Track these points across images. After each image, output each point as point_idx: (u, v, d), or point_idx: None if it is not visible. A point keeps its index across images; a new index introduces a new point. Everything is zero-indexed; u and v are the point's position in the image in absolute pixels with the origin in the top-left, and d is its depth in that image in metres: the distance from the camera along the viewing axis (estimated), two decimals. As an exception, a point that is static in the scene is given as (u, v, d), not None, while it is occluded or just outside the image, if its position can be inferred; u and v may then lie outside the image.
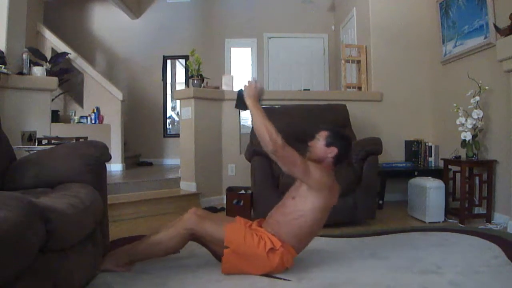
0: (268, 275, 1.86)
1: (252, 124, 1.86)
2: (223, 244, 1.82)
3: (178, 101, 4.79)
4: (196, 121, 3.92)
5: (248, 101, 1.90)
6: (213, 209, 3.69)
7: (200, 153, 3.94)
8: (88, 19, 6.38)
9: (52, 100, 3.72)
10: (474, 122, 3.18)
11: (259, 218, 2.16)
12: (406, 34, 4.33)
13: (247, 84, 1.93)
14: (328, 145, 1.95)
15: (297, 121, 3.57)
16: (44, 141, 3.01)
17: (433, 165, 3.89)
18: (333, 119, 3.66)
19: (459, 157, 3.37)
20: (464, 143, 3.25)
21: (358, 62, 4.66)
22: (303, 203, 1.88)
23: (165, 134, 6.39)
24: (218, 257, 2.03)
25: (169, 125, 6.50)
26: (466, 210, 3.20)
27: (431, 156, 3.92)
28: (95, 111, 5.13)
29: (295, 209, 1.89)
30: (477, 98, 3.18)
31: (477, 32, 3.35)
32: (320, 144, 1.96)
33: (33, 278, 1.21)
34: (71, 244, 1.47)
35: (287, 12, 6.42)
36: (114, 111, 5.16)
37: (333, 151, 1.94)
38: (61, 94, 5.32)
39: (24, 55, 3.14)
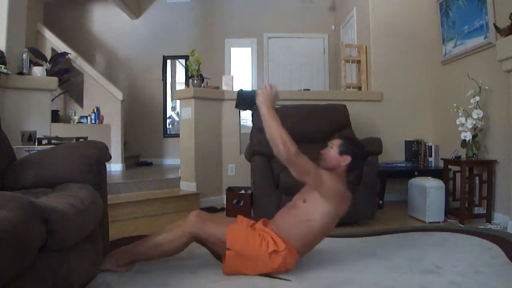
0: (268, 275, 1.86)
1: (265, 129, 1.81)
2: (226, 245, 1.82)
3: (178, 101, 4.79)
4: (196, 121, 3.92)
5: (263, 107, 1.81)
6: (213, 209, 3.70)
7: (200, 153, 3.94)
8: (88, 19, 6.38)
9: (52, 100, 3.72)
10: (474, 122, 3.18)
11: (259, 218, 2.16)
12: (406, 34, 4.33)
13: (262, 89, 1.86)
14: (341, 153, 1.95)
15: (297, 121, 3.56)
16: (44, 141, 3.01)
17: (433, 165, 3.89)
18: (333, 119, 3.66)
19: (459, 157, 3.37)
20: (464, 143, 3.25)
21: (358, 62, 4.66)
22: (314, 208, 1.88)
23: (165, 134, 6.39)
24: (218, 257, 2.03)
25: (169, 125, 6.50)
26: (466, 210, 3.20)
27: (431, 156, 3.92)
28: (95, 111, 5.13)
29: (305, 212, 1.88)
30: (477, 98, 3.18)
31: (477, 32, 3.35)
32: (333, 152, 1.96)
33: (33, 278, 1.21)
34: (71, 244, 1.47)
35: (287, 12, 6.42)
36: (114, 111, 5.16)
37: (347, 159, 1.94)
38: (61, 94, 5.32)
39: (24, 55, 3.14)
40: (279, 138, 1.75)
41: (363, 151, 2.03)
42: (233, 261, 1.83)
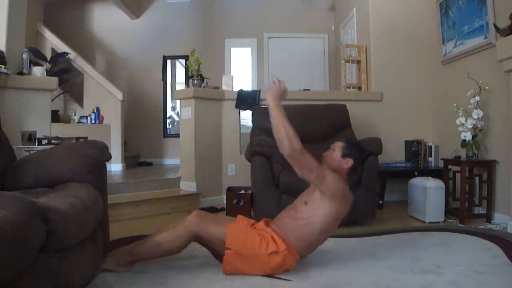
0: (268, 275, 1.86)
1: (272, 125, 1.82)
2: (225, 245, 1.82)
3: (178, 101, 4.79)
4: (196, 121, 3.92)
5: (271, 102, 1.83)
6: (213, 209, 3.70)
7: (200, 153, 3.94)
8: (88, 19, 6.38)
9: (52, 100, 3.72)
10: (474, 122, 3.18)
11: (259, 218, 2.16)
12: (406, 34, 4.33)
13: (271, 84, 1.87)
14: (344, 156, 1.95)
15: (297, 121, 3.55)
16: (44, 141, 3.01)
17: (433, 165, 3.89)
18: (333, 119, 3.66)
19: (459, 157, 3.37)
20: (464, 143, 3.25)
21: (358, 62, 4.65)
22: (315, 210, 1.87)
23: (165, 134, 6.39)
24: (218, 257, 2.03)
25: (169, 125, 6.50)
26: (466, 210, 3.20)
27: (431, 156, 3.92)
28: (95, 111, 5.13)
29: (306, 215, 1.88)
30: (477, 98, 3.18)
31: (477, 32, 3.35)
32: (336, 155, 1.96)
33: (33, 278, 1.21)
34: (71, 244, 1.47)
35: (287, 12, 6.42)
36: (114, 111, 5.16)
37: (349, 162, 1.95)
38: (61, 94, 5.32)
39: (24, 55, 3.14)
40: (284, 134, 1.76)
41: (364, 153, 2.03)
42: (232, 260, 1.83)
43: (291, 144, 1.75)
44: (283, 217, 1.97)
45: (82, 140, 3.14)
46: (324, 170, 1.86)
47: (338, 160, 1.95)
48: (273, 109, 1.82)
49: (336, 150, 1.97)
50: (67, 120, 5.26)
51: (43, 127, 3.15)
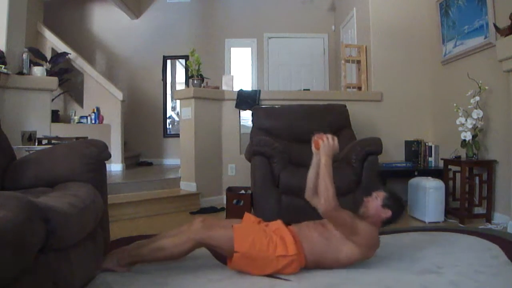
0: (268, 274, 1.86)
1: (310, 175, 2.02)
2: (233, 249, 1.81)
3: (178, 101, 4.79)
4: (196, 121, 3.92)
5: (324, 157, 1.93)
6: (213, 209, 3.70)
7: (200, 153, 3.94)
8: (88, 19, 6.38)
9: (52, 100, 3.72)
10: (474, 122, 3.18)
11: (259, 218, 2.16)
12: (406, 34, 4.33)
13: (324, 140, 1.95)
14: (384, 206, 1.98)
15: (297, 121, 3.57)
16: (44, 141, 3.01)
17: (433, 165, 3.88)
18: (333, 119, 3.66)
19: (459, 157, 3.37)
20: (464, 143, 3.25)
21: (358, 62, 4.66)
22: (342, 244, 1.89)
23: (165, 134, 6.39)
24: (219, 257, 2.03)
25: (169, 125, 6.51)
26: (466, 210, 3.20)
27: (431, 156, 3.92)
28: (95, 111, 5.13)
29: (332, 241, 1.90)
30: (477, 98, 3.18)
31: (477, 32, 3.35)
32: (377, 203, 1.99)
33: (33, 278, 1.21)
34: (71, 243, 1.47)
35: (287, 12, 6.43)
36: (114, 111, 5.16)
37: (387, 213, 1.97)
38: (61, 94, 5.32)
39: (24, 55, 3.14)
40: (324, 191, 1.86)
41: (403, 209, 2.06)
42: (240, 262, 1.84)
43: (326, 202, 1.84)
44: (310, 226, 1.98)
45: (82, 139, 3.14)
46: (357, 224, 1.88)
47: (377, 209, 1.98)
48: (324, 164, 1.92)
49: (378, 199, 2.00)
50: (67, 120, 5.26)
51: (43, 127, 3.15)
